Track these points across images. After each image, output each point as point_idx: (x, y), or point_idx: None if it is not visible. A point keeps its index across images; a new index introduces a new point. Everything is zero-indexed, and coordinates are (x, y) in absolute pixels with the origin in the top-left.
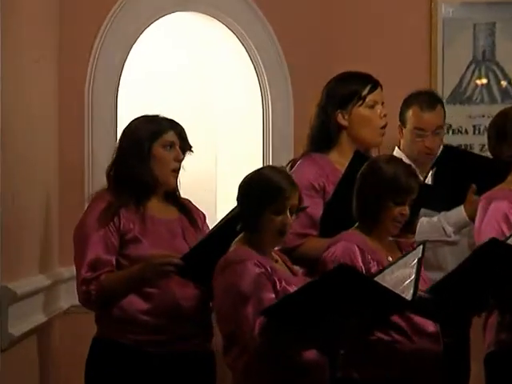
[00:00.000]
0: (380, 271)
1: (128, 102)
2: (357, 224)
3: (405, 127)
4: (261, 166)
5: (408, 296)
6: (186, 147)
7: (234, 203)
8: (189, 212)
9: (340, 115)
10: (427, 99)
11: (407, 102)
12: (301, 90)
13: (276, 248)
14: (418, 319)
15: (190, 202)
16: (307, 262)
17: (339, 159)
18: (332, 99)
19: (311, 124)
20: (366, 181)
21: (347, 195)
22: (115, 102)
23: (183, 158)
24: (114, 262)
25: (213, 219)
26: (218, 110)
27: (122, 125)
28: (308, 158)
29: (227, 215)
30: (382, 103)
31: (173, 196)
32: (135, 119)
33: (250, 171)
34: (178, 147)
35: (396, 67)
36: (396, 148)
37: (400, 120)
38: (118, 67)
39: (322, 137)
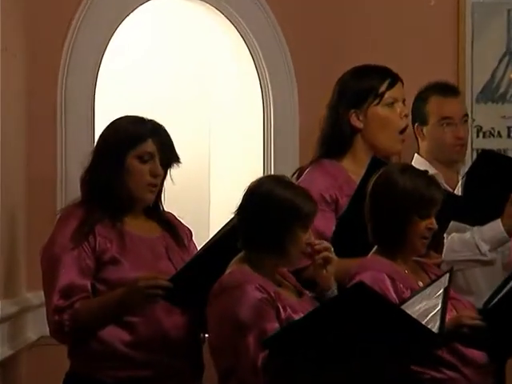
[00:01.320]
0: (404, 300)
1: (108, 99)
2: (375, 248)
3: (426, 124)
4: (260, 167)
5: (434, 329)
6: (171, 159)
7: (230, 202)
8: (173, 228)
9: (354, 115)
10: (445, 86)
11: (423, 96)
12: (307, 83)
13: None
14: (464, 350)
15: (174, 216)
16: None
17: (354, 167)
18: (345, 97)
19: (321, 126)
20: (382, 197)
21: (363, 209)
22: (92, 100)
23: (164, 174)
24: (90, 287)
25: (205, 221)
26: (212, 103)
27: (100, 128)
28: (318, 166)
29: (223, 228)
30: (404, 101)
31: (154, 210)
32: (118, 119)
33: (251, 177)
34: (157, 159)
35: (418, 60)
36: (416, 155)
37: (417, 120)
38: (96, 59)
39: (334, 141)
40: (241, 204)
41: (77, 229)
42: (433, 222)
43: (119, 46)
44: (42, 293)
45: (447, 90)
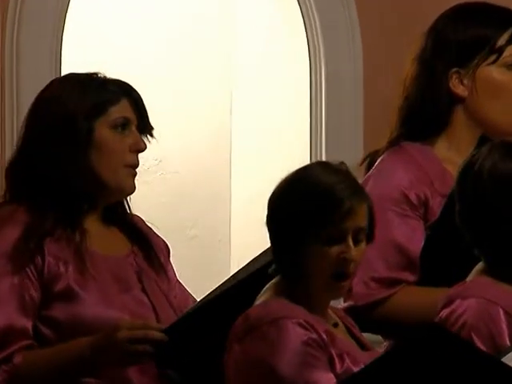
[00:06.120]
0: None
1: (79, 56)
2: (481, 265)
3: None
4: (307, 154)
5: None
6: (146, 129)
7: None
8: (145, 242)
9: (455, 78)
10: None
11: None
12: (375, 29)
13: (340, 305)
14: None
15: (143, 221)
16: (393, 330)
17: (451, 154)
18: (443, 50)
19: (404, 91)
20: (486, 193)
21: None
22: (57, 59)
23: (145, 147)
24: (32, 331)
25: (225, 221)
26: (235, 63)
27: None
28: (399, 152)
29: (254, 260)
30: None
31: (115, 212)
32: (58, 80)
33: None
34: (134, 129)
35: None
36: None
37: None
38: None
39: (425, 115)
40: (269, 205)
41: (18, 243)
42: None
43: None
44: None
45: None
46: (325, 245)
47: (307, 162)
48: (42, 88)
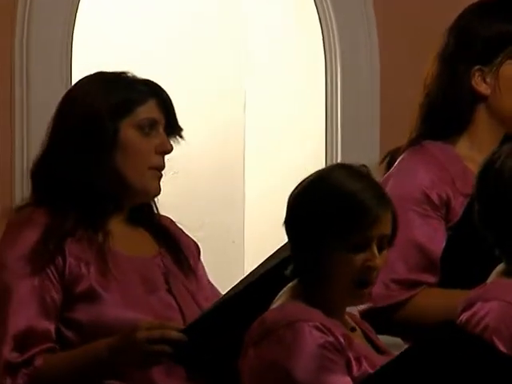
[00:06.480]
0: None
1: (91, 55)
2: (502, 266)
3: None
4: (322, 153)
5: None
6: (175, 131)
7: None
8: (174, 243)
9: (478, 76)
10: None
11: None
12: (393, 24)
13: (356, 308)
14: None
15: (173, 223)
16: (413, 332)
17: (473, 153)
18: (465, 48)
19: (426, 88)
20: (507, 192)
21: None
22: (68, 57)
23: (172, 149)
24: (55, 334)
25: (239, 220)
26: (247, 56)
27: None
28: (420, 151)
29: (271, 257)
30: None
31: (143, 213)
32: (85, 79)
33: (305, 167)
34: (161, 130)
35: None
36: None
37: None
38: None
39: (446, 113)
40: (290, 206)
41: (37, 245)
42: None
43: None
44: None
45: None
46: (349, 251)
47: (322, 159)
48: (51, 90)
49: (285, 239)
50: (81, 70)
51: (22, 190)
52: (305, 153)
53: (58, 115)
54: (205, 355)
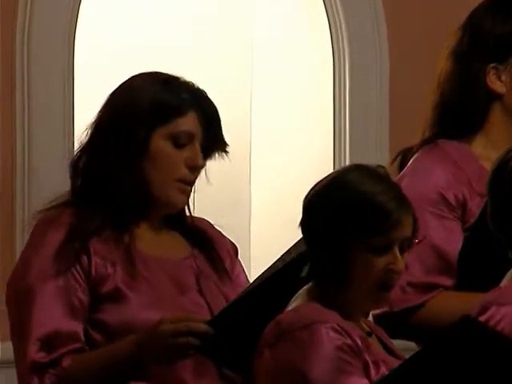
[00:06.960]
0: None
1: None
2: None
3: None
4: (330, 154)
5: None
6: (216, 145)
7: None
8: (208, 245)
9: (493, 74)
10: None
11: None
12: (403, 19)
13: (372, 312)
14: None
15: (209, 225)
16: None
17: (488, 152)
18: (480, 45)
19: (439, 87)
20: None
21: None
22: (70, 54)
23: (204, 164)
24: (83, 335)
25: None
26: (255, 52)
27: (82, 96)
28: (434, 150)
29: (288, 252)
30: None
31: (178, 217)
32: (141, 75)
33: (314, 168)
34: (196, 143)
35: None
36: None
37: None
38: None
39: (461, 112)
40: (306, 208)
41: (62, 245)
42: None
43: None
44: (10, 345)
45: None
46: (372, 254)
47: (330, 161)
48: (52, 91)
49: (291, 242)
50: (82, 71)
51: (22, 190)
52: (312, 154)
53: (99, 112)
54: (231, 347)
